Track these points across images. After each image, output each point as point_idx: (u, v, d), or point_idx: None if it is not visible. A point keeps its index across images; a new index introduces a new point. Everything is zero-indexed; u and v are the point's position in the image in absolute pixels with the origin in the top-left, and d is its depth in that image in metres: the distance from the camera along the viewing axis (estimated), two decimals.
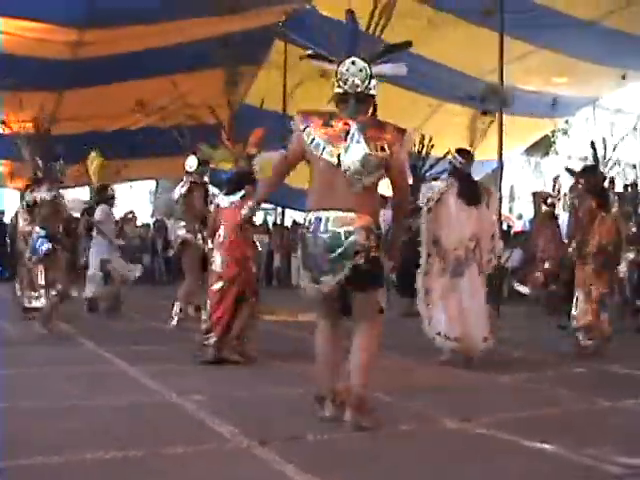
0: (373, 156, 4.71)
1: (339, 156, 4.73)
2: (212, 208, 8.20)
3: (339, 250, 4.67)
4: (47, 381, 6.38)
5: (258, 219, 18.92)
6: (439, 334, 7.35)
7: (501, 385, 6.72)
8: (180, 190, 10.32)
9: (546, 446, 4.48)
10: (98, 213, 12.05)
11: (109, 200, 12.28)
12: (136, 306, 12.43)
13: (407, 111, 14.38)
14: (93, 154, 12.59)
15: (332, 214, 4.71)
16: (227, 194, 7.69)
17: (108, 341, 8.59)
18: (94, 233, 12.08)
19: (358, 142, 4.73)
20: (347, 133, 4.78)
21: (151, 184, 26.91)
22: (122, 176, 16.58)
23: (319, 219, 4.74)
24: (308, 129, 4.88)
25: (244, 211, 6.56)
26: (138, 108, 16.66)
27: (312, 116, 4.96)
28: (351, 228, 4.67)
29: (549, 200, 13.31)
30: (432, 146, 12.11)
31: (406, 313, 11.52)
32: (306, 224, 4.84)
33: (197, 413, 5.18)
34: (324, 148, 4.79)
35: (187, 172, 10.34)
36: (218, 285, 7.38)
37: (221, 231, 7.51)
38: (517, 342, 9.12)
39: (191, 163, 10.29)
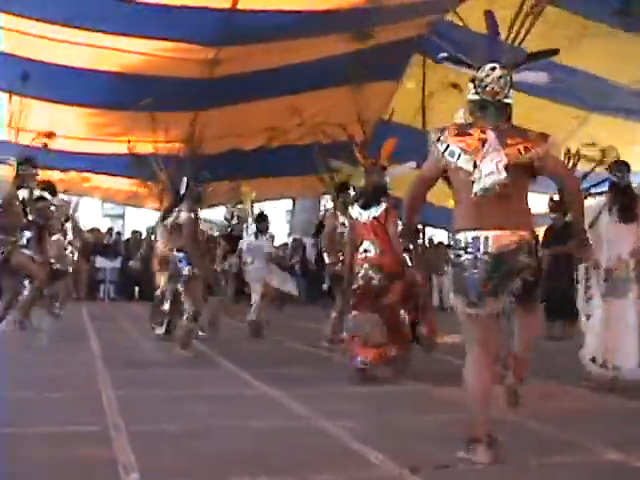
0: (513, 163, 4.55)
1: (475, 164, 4.59)
2: (347, 222, 8.20)
3: (502, 271, 4.54)
4: (183, 403, 6.48)
5: None
6: (594, 360, 7.16)
7: None
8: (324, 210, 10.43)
9: None
10: (245, 241, 12.35)
11: (263, 230, 12.54)
12: (276, 327, 12.55)
13: (551, 124, 14.07)
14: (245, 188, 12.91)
15: (491, 233, 4.56)
16: (363, 207, 7.75)
17: (248, 363, 8.67)
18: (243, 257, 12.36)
19: (496, 150, 4.58)
20: (484, 142, 4.63)
21: (288, 203, 27.23)
22: (259, 196, 16.83)
23: (477, 239, 4.58)
24: (442, 138, 4.76)
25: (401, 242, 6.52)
26: (270, 133, 16.90)
27: (446, 128, 4.85)
28: (513, 247, 4.54)
29: None
30: (579, 159, 11.80)
31: (549, 336, 11.31)
32: (462, 245, 4.65)
33: (343, 438, 5.17)
34: (459, 156, 4.65)
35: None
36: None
37: (367, 246, 7.56)
38: None
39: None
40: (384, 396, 6.93)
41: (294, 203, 25.87)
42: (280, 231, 26.04)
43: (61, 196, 13.01)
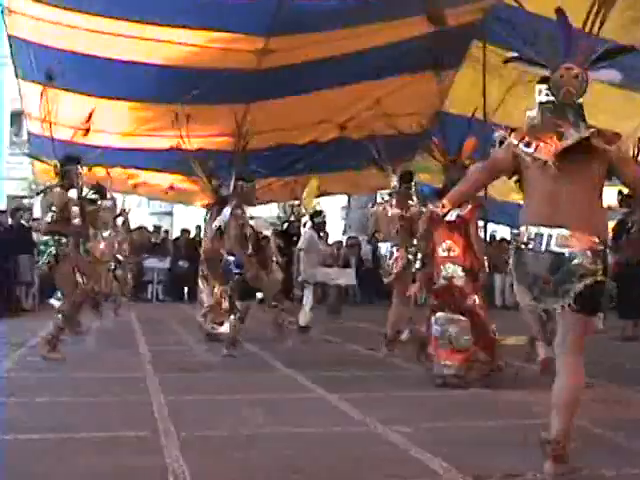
0: (589, 158, 4.50)
1: (554, 154, 4.55)
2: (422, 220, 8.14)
3: (563, 272, 4.47)
4: (234, 408, 6.47)
5: None
6: None
7: None
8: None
9: None
10: (303, 240, 12.45)
11: (319, 226, 12.57)
12: (330, 328, 12.52)
13: (620, 111, 13.88)
14: (313, 181, 12.93)
15: (555, 232, 4.50)
16: None
17: (302, 365, 8.68)
18: (300, 256, 12.44)
19: (577, 131, 4.52)
20: (561, 135, 4.60)
21: (343, 199, 27.18)
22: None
23: (540, 236, 4.55)
24: (514, 134, 4.74)
25: (432, 207, 6.40)
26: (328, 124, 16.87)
27: (518, 128, 4.86)
28: (576, 250, 4.46)
29: None
30: None
31: (626, 336, 11.14)
32: (524, 240, 4.63)
33: (403, 445, 5.14)
34: (537, 146, 4.62)
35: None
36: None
37: (450, 245, 7.52)
38: None
39: (393, 181, 10.31)
40: (442, 401, 6.90)
41: (349, 200, 25.80)
42: (335, 228, 26.03)
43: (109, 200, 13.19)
